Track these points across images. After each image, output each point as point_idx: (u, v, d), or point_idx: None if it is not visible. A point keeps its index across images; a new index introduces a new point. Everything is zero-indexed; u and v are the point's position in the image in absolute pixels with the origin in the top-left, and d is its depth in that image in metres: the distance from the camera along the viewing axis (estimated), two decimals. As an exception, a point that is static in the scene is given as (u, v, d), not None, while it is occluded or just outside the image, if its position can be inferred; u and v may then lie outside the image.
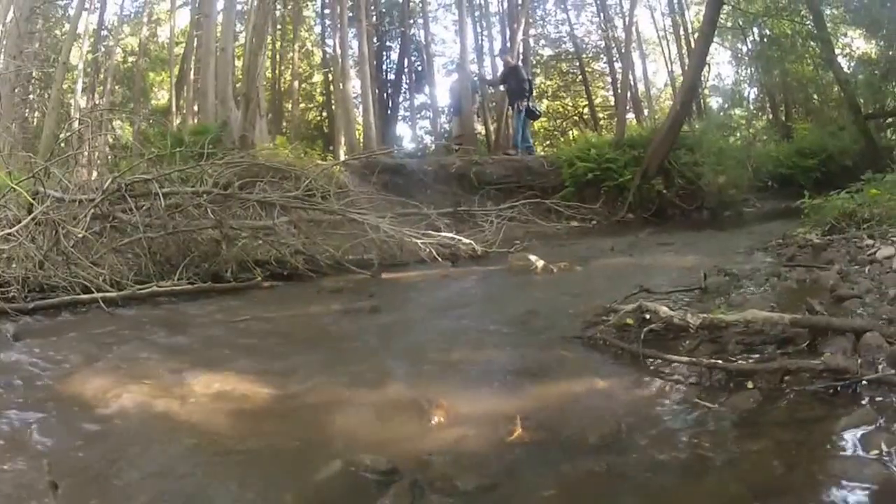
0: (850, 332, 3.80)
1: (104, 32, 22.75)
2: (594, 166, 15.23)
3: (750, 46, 23.24)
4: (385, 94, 25.98)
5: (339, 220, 9.28)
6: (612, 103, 26.78)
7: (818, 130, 18.60)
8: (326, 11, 25.28)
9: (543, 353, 4.48)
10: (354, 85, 21.57)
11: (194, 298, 7.06)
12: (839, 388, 3.19)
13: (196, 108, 19.59)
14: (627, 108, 21.90)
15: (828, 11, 18.60)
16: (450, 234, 9.80)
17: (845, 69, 18.70)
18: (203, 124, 15.46)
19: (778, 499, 2.41)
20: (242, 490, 2.68)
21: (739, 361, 3.72)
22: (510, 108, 16.07)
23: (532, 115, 17.07)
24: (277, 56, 24.88)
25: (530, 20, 25.16)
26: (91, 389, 3.92)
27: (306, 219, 9.38)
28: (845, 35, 21.01)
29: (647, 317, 4.51)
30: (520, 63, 18.15)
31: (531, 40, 25.94)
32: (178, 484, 2.74)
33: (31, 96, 19.94)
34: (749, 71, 24.09)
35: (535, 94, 19.90)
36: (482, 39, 25.39)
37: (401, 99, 27.25)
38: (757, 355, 3.86)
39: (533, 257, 8.56)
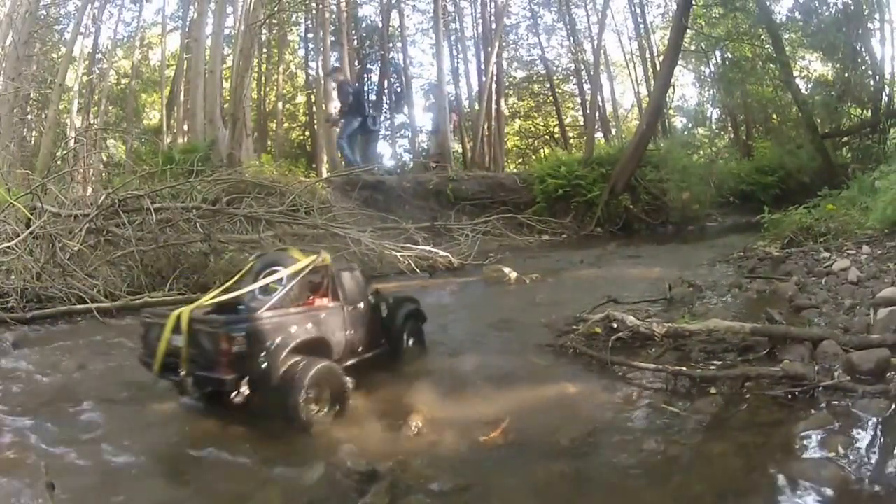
0: (808, 340, 3.96)
1: (98, 56, 22.59)
2: (564, 183, 15.41)
3: (712, 69, 23.78)
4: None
5: (322, 233, 9.30)
6: (582, 123, 27.15)
7: (777, 149, 19.03)
8: (310, 36, 25.39)
9: (516, 360, 4.57)
10: (336, 105, 21.68)
11: (185, 309, 7.07)
12: (797, 394, 3.33)
13: (186, 127, 19.46)
14: (596, 127, 22.22)
15: (786, 35, 19.13)
16: (427, 247, 9.88)
17: (803, 90, 19.24)
18: (192, 143, 15.32)
19: (740, 499, 2.52)
20: (229, 490, 2.73)
21: (703, 368, 3.84)
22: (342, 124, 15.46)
23: (371, 130, 16.87)
24: (263, 78, 24.87)
25: (503, 44, 25.52)
26: (87, 395, 3.93)
27: (291, 233, 9.40)
28: (803, 58, 21.64)
29: (615, 326, 4.62)
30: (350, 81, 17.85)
31: (504, 63, 26.36)
32: (168, 484, 2.78)
33: (28, 116, 19.70)
34: (711, 92, 24.62)
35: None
36: (458, 62, 25.78)
37: (381, 118, 27.35)
38: (719, 362, 3.99)
39: (506, 269, 8.67)
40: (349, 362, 3.72)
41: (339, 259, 4.69)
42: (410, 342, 4.33)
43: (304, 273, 3.74)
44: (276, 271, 3.81)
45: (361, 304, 4.06)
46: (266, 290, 3.75)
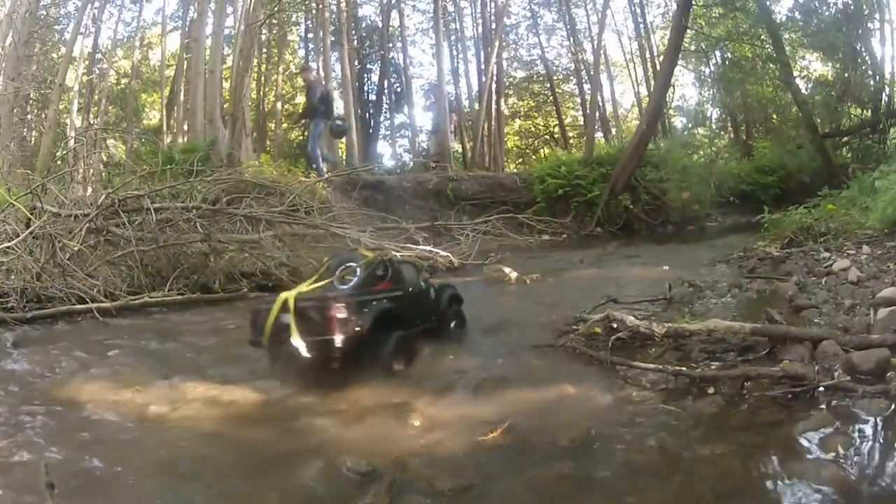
0: (808, 340, 3.96)
1: (98, 56, 22.65)
2: (564, 183, 15.43)
3: (712, 69, 23.79)
4: (366, 114, 26.05)
5: (322, 233, 9.30)
6: (582, 123, 27.17)
7: (777, 149, 19.04)
8: (310, 36, 25.46)
9: (517, 360, 4.59)
10: (337, 106, 21.74)
11: (184, 308, 7.09)
12: (797, 394, 3.32)
13: (186, 127, 19.47)
14: (596, 127, 22.23)
15: (786, 35, 19.13)
16: (428, 247, 9.89)
17: (803, 90, 19.24)
18: (192, 143, 15.33)
19: (740, 499, 2.51)
20: (228, 490, 2.74)
21: (703, 368, 3.83)
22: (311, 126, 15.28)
23: (342, 132, 16.73)
24: (262, 78, 24.96)
25: (504, 44, 25.55)
26: (86, 395, 3.94)
27: (290, 233, 9.41)
28: (803, 58, 21.65)
29: (615, 326, 4.62)
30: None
31: (504, 63, 26.38)
32: (168, 484, 2.77)
33: (28, 116, 19.73)
34: (711, 92, 24.62)
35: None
36: (458, 62, 25.80)
37: (381, 118, 27.40)
38: (719, 362, 3.99)
39: (507, 269, 8.68)
40: (409, 332, 4.67)
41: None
42: (452, 323, 5.37)
43: (372, 265, 4.76)
44: (350, 266, 4.75)
45: (416, 289, 5.03)
46: (343, 281, 4.65)
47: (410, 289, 4.96)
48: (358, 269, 4.66)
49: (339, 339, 4.02)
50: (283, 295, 4.28)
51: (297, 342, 4.01)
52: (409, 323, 4.67)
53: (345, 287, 4.54)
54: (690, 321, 4.64)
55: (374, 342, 4.22)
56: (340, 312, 4.08)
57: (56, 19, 20.84)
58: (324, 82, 17.69)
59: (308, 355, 4.04)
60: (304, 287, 4.55)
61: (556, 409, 3.55)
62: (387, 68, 26.19)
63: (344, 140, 20.13)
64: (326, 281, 4.66)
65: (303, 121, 16.20)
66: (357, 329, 4.13)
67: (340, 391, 3.94)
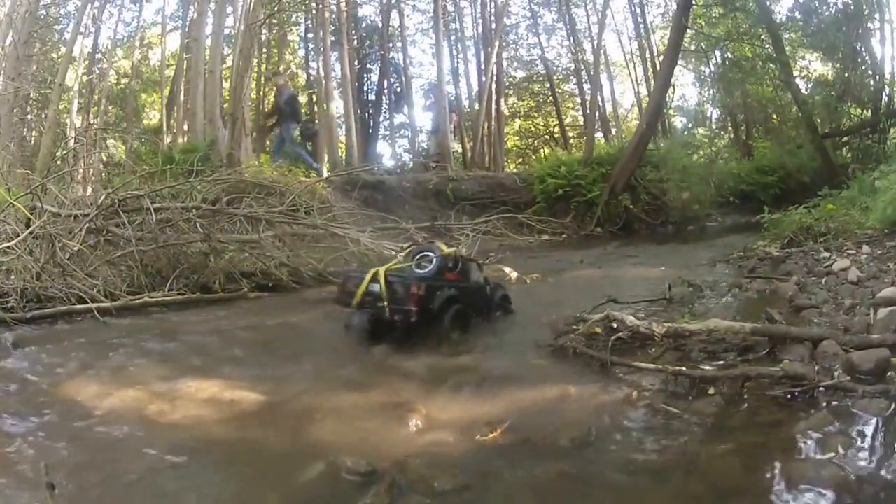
0: (808, 340, 3.96)
1: (98, 55, 22.66)
2: (564, 183, 15.44)
3: (712, 69, 23.83)
4: (366, 114, 26.06)
5: (322, 233, 9.31)
6: (582, 123, 27.21)
7: (777, 149, 19.06)
8: (310, 36, 25.43)
9: (517, 360, 4.60)
10: (337, 105, 21.76)
11: (184, 308, 7.07)
12: (797, 394, 3.32)
13: (186, 127, 19.46)
14: (596, 127, 22.25)
15: (786, 35, 19.16)
16: (427, 247, 9.89)
17: (803, 90, 19.27)
18: (192, 143, 15.33)
19: (739, 499, 2.51)
20: (229, 490, 2.74)
21: (703, 368, 3.83)
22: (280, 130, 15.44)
23: (311, 134, 16.88)
24: (262, 78, 25.00)
25: (503, 44, 25.56)
26: (86, 395, 3.93)
27: (290, 233, 9.41)
28: (803, 58, 21.68)
29: (615, 326, 4.62)
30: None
31: (504, 63, 26.40)
32: (168, 484, 2.76)
33: (28, 116, 19.75)
34: (711, 92, 24.65)
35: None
36: (458, 62, 25.82)
37: (381, 118, 27.35)
38: (719, 362, 3.98)
39: (506, 269, 8.67)
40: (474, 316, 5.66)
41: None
42: (498, 313, 6.19)
43: (446, 259, 5.64)
44: (428, 255, 5.71)
45: (476, 284, 5.99)
46: (420, 266, 5.63)
47: (472, 283, 5.91)
48: (434, 260, 5.61)
49: (414, 311, 4.98)
50: (375, 269, 5.28)
51: (383, 307, 5.02)
52: (470, 309, 5.62)
53: (422, 272, 5.53)
54: (690, 321, 4.64)
55: (439, 316, 5.18)
56: (420, 290, 5.06)
57: (56, 19, 20.85)
58: (290, 86, 17.81)
59: (389, 319, 5.05)
60: (387, 267, 5.45)
61: (556, 409, 3.54)
62: (387, 68, 26.18)
63: (344, 140, 20.20)
64: (406, 264, 5.69)
65: (270, 122, 16.26)
66: (430, 306, 5.10)
67: (340, 391, 3.95)
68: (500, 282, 6.99)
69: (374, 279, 5.14)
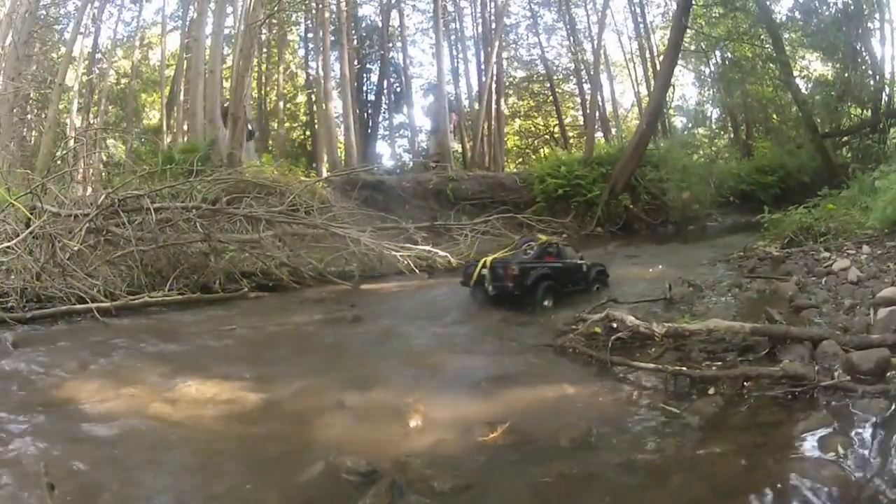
0: (808, 340, 3.95)
1: (98, 55, 22.70)
2: (564, 182, 15.44)
3: (712, 69, 23.81)
4: (366, 114, 26.10)
5: (322, 233, 9.32)
6: (582, 123, 27.20)
7: (777, 148, 19.06)
8: (310, 35, 25.43)
9: (516, 359, 4.59)
10: (336, 105, 21.78)
11: (184, 308, 7.09)
12: (797, 394, 3.33)
13: (186, 127, 19.48)
14: (596, 127, 22.25)
15: (786, 35, 19.14)
16: (427, 247, 9.88)
17: (803, 90, 19.26)
18: (192, 142, 15.35)
19: (739, 498, 2.50)
20: (229, 490, 2.72)
21: (703, 368, 3.83)
22: None
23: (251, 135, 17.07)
24: (263, 78, 24.95)
25: (503, 43, 25.54)
26: (86, 394, 3.94)
27: (290, 232, 9.43)
28: (803, 58, 21.67)
29: (615, 325, 4.62)
30: None
31: (504, 63, 26.37)
32: (168, 484, 2.77)
33: (28, 116, 19.79)
34: (711, 92, 24.63)
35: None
36: (458, 62, 25.81)
37: (380, 118, 27.38)
38: (719, 362, 3.98)
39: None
40: (567, 289, 7.01)
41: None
42: (597, 287, 7.52)
43: (543, 245, 7.28)
44: (531, 244, 7.34)
45: (571, 263, 7.39)
46: (525, 253, 7.20)
47: (567, 262, 7.32)
48: (534, 247, 7.23)
49: (510, 286, 6.44)
50: (485, 258, 6.86)
51: (489, 286, 6.56)
52: (563, 283, 6.98)
53: (524, 257, 7.03)
54: (690, 321, 4.64)
55: (534, 291, 6.52)
56: (514, 271, 6.47)
57: (56, 19, 20.86)
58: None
59: (493, 293, 6.54)
60: (498, 254, 7.05)
61: (556, 409, 3.54)
62: (386, 68, 26.20)
63: (343, 140, 20.23)
64: (513, 252, 7.34)
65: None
66: (525, 283, 6.49)
67: (341, 391, 3.95)
68: (599, 262, 8.18)
69: (485, 266, 6.73)
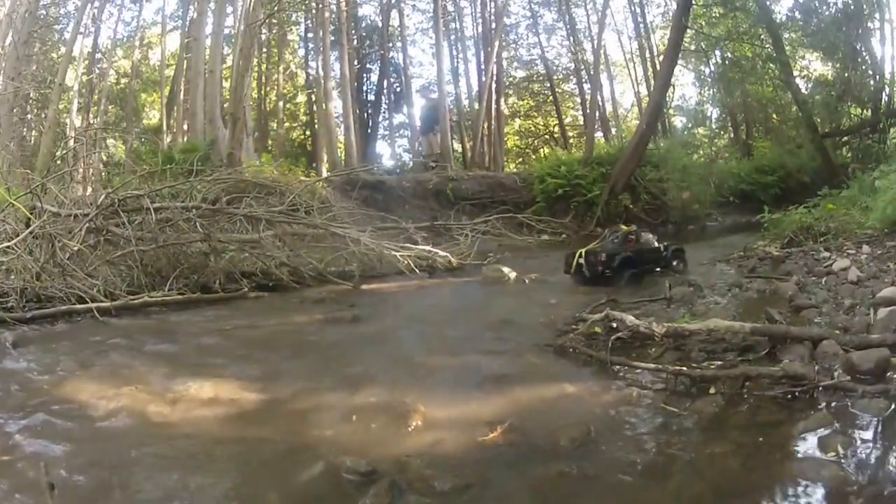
0: (808, 340, 3.95)
1: (98, 55, 22.74)
2: (564, 182, 15.46)
3: (712, 68, 23.83)
4: (365, 114, 26.10)
5: (322, 233, 9.32)
6: (582, 122, 27.23)
7: (777, 148, 19.07)
8: (310, 35, 25.47)
9: (516, 360, 4.58)
10: (336, 105, 21.83)
11: (184, 308, 7.08)
12: (797, 394, 3.32)
13: (186, 126, 19.50)
14: (596, 127, 22.28)
15: (786, 35, 19.16)
16: (427, 247, 9.89)
17: (803, 90, 19.28)
18: (192, 142, 15.38)
19: (739, 499, 2.51)
20: (229, 490, 2.72)
21: (703, 368, 3.81)
22: None
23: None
24: (263, 77, 24.93)
25: (503, 43, 25.56)
26: (86, 394, 3.93)
27: (290, 232, 9.42)
28: (803, 58, 21.68)
29: (615, 325, 4.61)
30: None
31: (504, 62, 26.39)
32: (168, 483, 2.76)
33: (28, 116, 19.83)
34: (711, 92, 24.64)
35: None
36: (458, 62, 25.83)
37: (380, 118, 27.40)
38: (719, 362, 3.96)
39: (506, 269, 8.69)
40: (647, 267, 8.04)
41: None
42: (678, 264, 8.46)
43: (625, 234, 8.46)
44: (616, 234, 8.48)
45: (650, 247, 8.42)
46: (612, 241, 8.35)
47: (646, 247, 8.36)
48: (618, 236, 8.45)
49: (601, 269, 7.73)
50: (581, 249, 8.05)
51: (586, 270, 7.81)
52: (644, 264, 8.03)
53: (610, 245, 8.22)
54: (690, 321, 4.63)
55: (621, 271, 7.75)
56: (602, 258, 7.79)
57: (56, 19, 20.88)
58: None
59: (589, 276, 7.76)
60: (589, 246, 8.19)
61: (556, 409, 3.54)
62: (386, 68, 26.19)
63: (343, 140, 20.25)
64: (602, 242, 8.48)
65: None
66: (612, 265, 7.75)
67: (341, 391, 3.95)
68: (677, 244, 9.13)
69: (580, 254, 7.97)
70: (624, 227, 8.83)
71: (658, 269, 8.18)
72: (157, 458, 2.98)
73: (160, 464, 2.92)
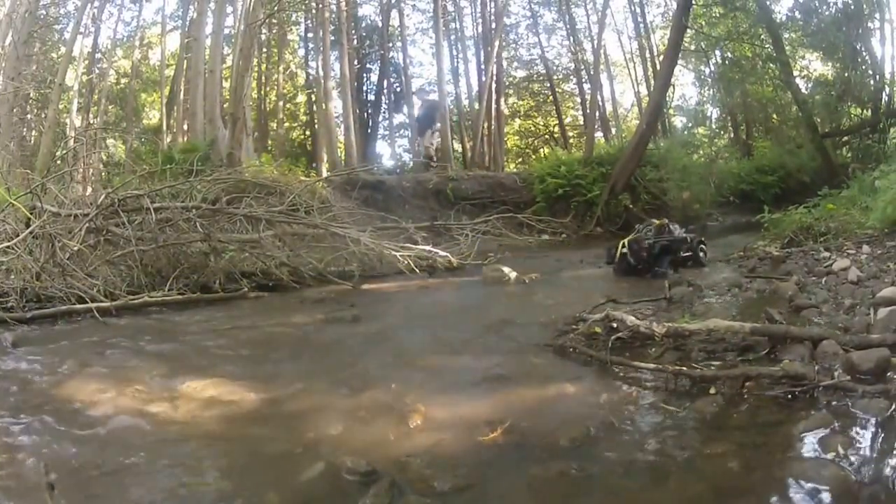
0: (808, 340, 3.93)
1: (98, 55, 22.78)
2: (564, 182, 15.46)
3: (712, 68, 23.86)
4: (365, 114, 26.14)
5: (322, 233, 9.31)
6: (582, 122, 27.30)
7: (777, 148, 19.08)
8: (310, 35, 25.53)
9: (516, 360, 4.57)
10: (336, 105, 21.87)
11: (184, 308, 7.07)
12: (797, 394, 3.31)
13: (186, 126, 19.52)
14: (596, 126, 22.31)
15: (786, 35, 19.17)
16: (427, 247, 9.88)
17: (803, 90, 19.29)
18: (192, 142, 15.40)
19: (739, 499, 2.49)
20: (228, 489, 2.71)
21: (702, 368, 3.81)
22: None
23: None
24: (263, 77, 24.96)
25: (503, 43, 25.61)
26: (86, 394, 3.92)
27: (290, 232, 9.42)
28: (803, 57, 21.71)
29: (615, 325, 4.60)
30: None
31: (504, 62, 26.43)
32: (168, 483, 2.75)
33: (28, 116, 19.87)
34: (711, 92, 24.67)
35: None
36: (458, 62, 25.86)
37: (380, 118, 27.43)
38: (719, 362, 3.96)
39: (506, 269, 8.68)
40: (679, 255, 8.71)
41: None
42: (703, 254, 9.11)
43: (659, 226, 9.02)
44: (650, 226, 9.03)
45: (679, 238, 8.95)
46: (646, 233, 8.83)
47: (676, 238, 8.91)
48: (652, 229, 8.94)
49: (645, 256, 8.39)
50: (622, 240, 8.72)
51: (630, 259, 8.44)
52: (677, 252, 8.69)
53: (647, 237, 8.73)
54: (690, 321, 4.63)
55: (661, 259, 8.40)
56: (646, 246, 8.45)
57: (56, 19, 20.90)
58: None
59: (634, 264, 8.40)
60: (629, 237, 8.76)
61: (556, 408, 3.54)
62: (386, 68, 26.22)
63: (343, 140, 20.27)
64: (637, 234, 8.91)
65: None
66: (653, 253, 8.40)
67: (340, 391, 3.95)
68: (700, 236, 9.74)
69: (623, 245, 8.62)
70: (657, 221, 9.48)
71: (688, 256, 8.93)
72: (156, 458, 2.97)
73: (160, 463, 2.92)
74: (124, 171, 12.10)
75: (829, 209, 9.34)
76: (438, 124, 19.38)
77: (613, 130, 25.88)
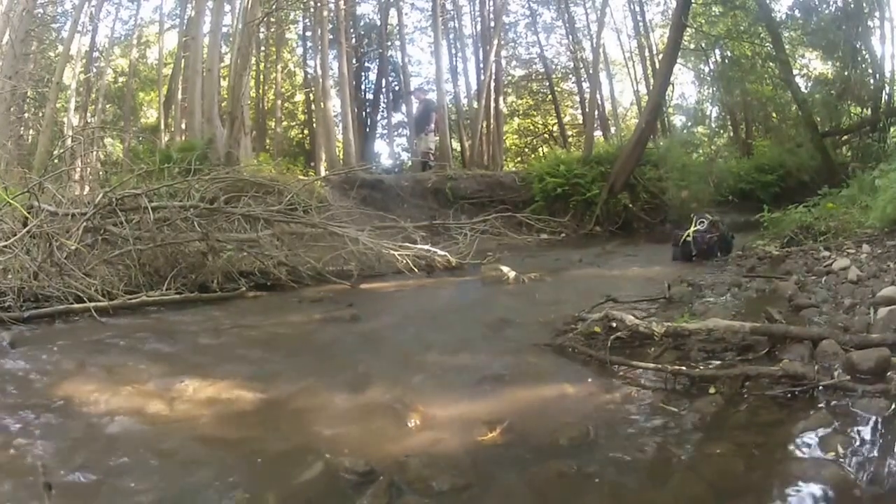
0: (808, 339, 3.93)
1: (96, 54, 22.76)
2: (563, 181, 15.42)
3: (712, 67, 23.82)
4: (364, 113, 26.14)
5: (320, 232, 9.30)
6: (581, 121, 27.28)
7: (777, 147, 19.03)
8: (308, 34, 25.57)
9: (515, 359, 4.55)
10: (335, 104, 21.85)
11: (182, 308, 7.04)
12: (797, 393, 3.30)
13: (183, 125, 19.49)
14: (595, 125, 22.27)
15: (786, 34, 19.14)
16: (426, 247, 9.85)
17: (803, 89, 19.23)
18: (190, 141, 15.35)
19: (739, 499, 2.48)
20: (227, 489, 2.69)
21: (702, 367, 3.81)
22: None
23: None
24: (261, 76, 24.98)
25: (502, 42, 25.60)
26: (84, 394, 3.90)
27: (289, 231, 9.39)
28: (803, 56, 21.69)
29: (614, 325, 4.59)
30: None
31: (503, 61, 26.43)
32: (166, 484, 2.74)
33: (26, 115, 19.84)
34: (711, 90, 24.65)
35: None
36: (456, 61, 25.84)
37: (379, 117, 27.42)
38: (719, 362, 3.96)
39: (505, 268, 8.66)
40: (724, 244, 9.54)
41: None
42: (733, 238, 9.92)
43: (712, 221, 9.60)
44: (703, 219, 9.58)
45: (724, 232, 9.68)
46: (701, 225, 9.49)
47: (722, 231, 9.61)
48: (703, 221, 9.49)
49: (704, 248, 9.26)
50: (687, 231, 9.40)
51: (692, 247, 9.28)
52: (724, 243, 9.47)
53: (703, 229, 9.40)
54: (690, 320, 4.63)
55: (712, 248, 9.31)
56: (707, 237, 9.29)
57: (53, 17, 20.89)
58: None
59: (695, 253, 9.23)
60: (691, 229, 9.37)
61: (556, 408, 3.53)
62: (385, 67, 26.21)
63: (341, 139, 20.27)
64: (696, 227, 9.45)
65: None
66: (711, 243, 9.30)
67: (339, 391, 3.94)
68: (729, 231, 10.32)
69: (688, 234, 9.35)
70: (709, 216, 10.13)
71: (730, 245, 9.74)
72: (154, 458, 2.96)
73: (158, 463, 2.91)
74: (122, 170, 12.09)
75: (829, 208, 9.34)
76: (433, 125, 19.33)
77: (613, 129, 25.87)
